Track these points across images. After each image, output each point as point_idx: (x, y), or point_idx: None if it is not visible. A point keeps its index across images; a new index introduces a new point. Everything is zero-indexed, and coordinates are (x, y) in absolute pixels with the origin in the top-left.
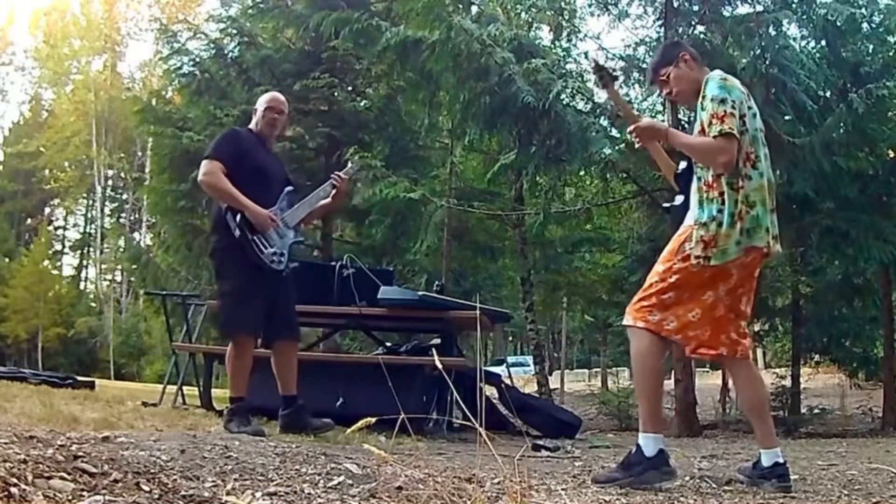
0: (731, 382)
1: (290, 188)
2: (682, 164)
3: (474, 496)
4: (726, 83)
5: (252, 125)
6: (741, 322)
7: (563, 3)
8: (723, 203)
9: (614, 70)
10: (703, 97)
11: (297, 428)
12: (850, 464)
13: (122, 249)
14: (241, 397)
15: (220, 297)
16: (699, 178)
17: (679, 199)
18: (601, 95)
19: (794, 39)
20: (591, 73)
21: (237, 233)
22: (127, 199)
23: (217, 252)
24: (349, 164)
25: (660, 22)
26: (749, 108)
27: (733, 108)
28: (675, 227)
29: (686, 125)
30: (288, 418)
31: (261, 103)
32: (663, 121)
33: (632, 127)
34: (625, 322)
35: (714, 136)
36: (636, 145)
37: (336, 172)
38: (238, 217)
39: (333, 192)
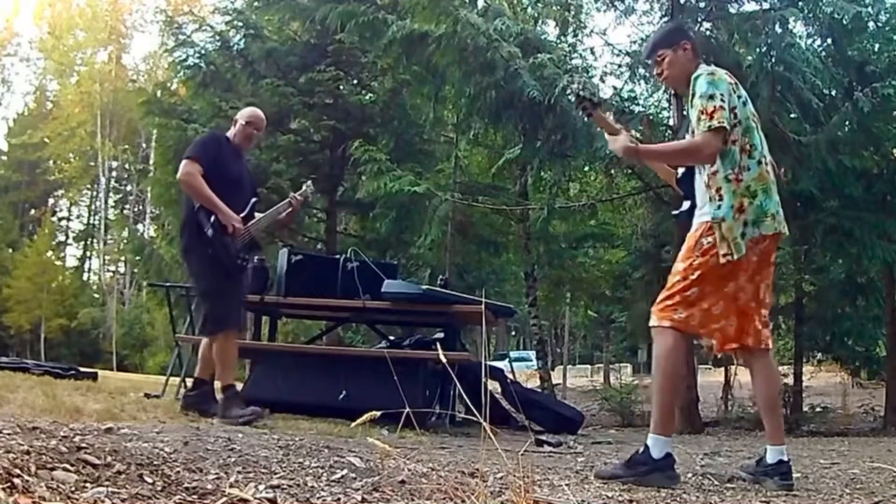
0: (733, 380)
1: (255, 199)
2: (682, 169)
3: (477, 490)
4: (713, 77)
5: (230, 134)
6: (763, 310)
7: None
8: (721, 199)
9: (594, 96)
10: (693, 94)
11: (199, 409)
12: (851, 462)
13: (125, 241)
14: (233, 385)
15: (203, 297)
16: (701, 177)
17: (686, 204)
18: (606, 91)
19: (800, 37)
20: (577, 97)
21: (209, 231)
22: (131, 190)
23: (190, 251)
24: (304, 187)
25: (666, 18)
26: (739, 96)
27: (722, 101)
28: (684, 231)
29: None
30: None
31: (241, 116)
32: (668, 117)
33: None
34: (651, 323)
35: (703, 132)
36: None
37: (293, 194)
38: (212, 218)
39: (289, 209)
